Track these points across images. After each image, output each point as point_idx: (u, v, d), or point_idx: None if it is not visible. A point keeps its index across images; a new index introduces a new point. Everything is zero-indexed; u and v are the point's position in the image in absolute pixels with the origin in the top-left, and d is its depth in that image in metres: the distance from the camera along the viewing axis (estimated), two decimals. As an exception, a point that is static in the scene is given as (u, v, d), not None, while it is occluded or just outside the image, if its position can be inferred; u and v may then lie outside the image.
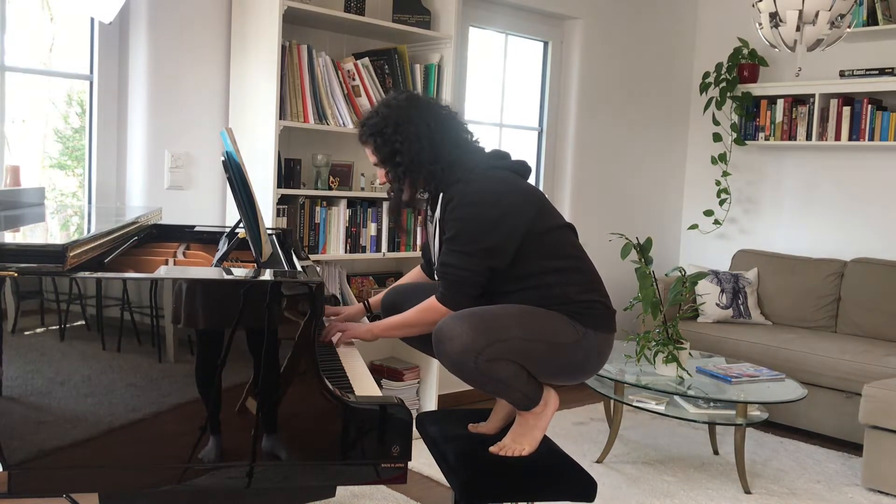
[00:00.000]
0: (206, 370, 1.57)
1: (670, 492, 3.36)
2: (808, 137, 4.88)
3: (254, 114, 3.33)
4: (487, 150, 2.35)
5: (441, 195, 2.24)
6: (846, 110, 4.72)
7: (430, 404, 3.91)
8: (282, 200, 3.35)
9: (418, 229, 3.83)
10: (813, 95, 4.84)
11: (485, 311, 2.10)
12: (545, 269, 2.20)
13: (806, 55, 3.56)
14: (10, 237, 1.67)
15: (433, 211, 2.32)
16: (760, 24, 3.55)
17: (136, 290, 1.55)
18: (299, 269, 2.20)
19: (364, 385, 1.91)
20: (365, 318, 2.61)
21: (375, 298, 2.58)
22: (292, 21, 3.47)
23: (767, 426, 4.19)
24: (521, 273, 2.19)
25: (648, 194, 5.49)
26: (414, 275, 2.64)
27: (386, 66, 3.71)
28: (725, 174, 5.32)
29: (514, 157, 2.35)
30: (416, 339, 2.38)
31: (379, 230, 3.67)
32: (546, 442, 2.27)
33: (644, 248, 3.61)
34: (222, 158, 1.96)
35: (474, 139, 2.34)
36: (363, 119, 2.31)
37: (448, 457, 2.22)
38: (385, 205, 3.67)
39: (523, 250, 2.18)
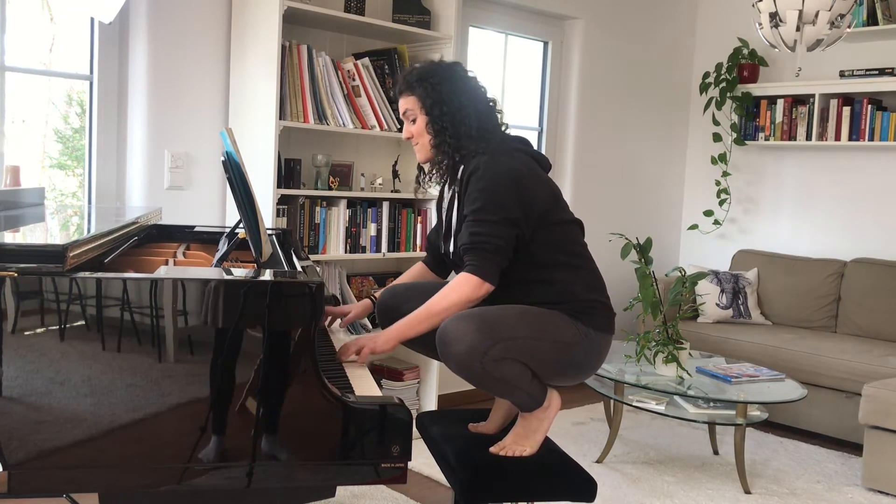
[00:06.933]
0: (206, 370, 1.57)
1: (670, 492, 3.36)
2: (808, 137, 4.88)
3: (254, 114, 3.33)
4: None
5: (461, 168, 2.22)
6: (846, 110, 4.72)
7: (430, 404, 3.90)
8: (282, 200, 3.35)
9: (418, 228, 3.83)
10: (813, 95, 4.84)
11: (488, 311, 2.08)
12: (554, 261, 2.19)
13: (806, 55, 3.56)
14: (10, 237, 1.67)
15: (450, 186, 2.29)
16: (760, 24, 3.55)
17: (136, 290, 1.55)
18: (299, 269, 2.20)
19: (364, 385, 1.91)
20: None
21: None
22: (292, 21, 3.47)
23: (767, 426, 4.19)
24: (532, 261, 2.18)
25: (648, 194, 5.49)
26: (412, 274, 2.54)
27: (386, 66, 3.71)
28: (725, 174, 5.32)
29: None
30: (420, 343, 2.26)
31: (379, 230, 3.67)
32: (546, 442, 2.26)
33: (644, 248, 3.61)
34: (222, 158, 1.96)
35: (502, 123, 2.35)
36: (405, 73, 2.29)
37: (448, 457, 2.22)
38: (385, 205, 3.67)
39: (537, 237, 2.17)
